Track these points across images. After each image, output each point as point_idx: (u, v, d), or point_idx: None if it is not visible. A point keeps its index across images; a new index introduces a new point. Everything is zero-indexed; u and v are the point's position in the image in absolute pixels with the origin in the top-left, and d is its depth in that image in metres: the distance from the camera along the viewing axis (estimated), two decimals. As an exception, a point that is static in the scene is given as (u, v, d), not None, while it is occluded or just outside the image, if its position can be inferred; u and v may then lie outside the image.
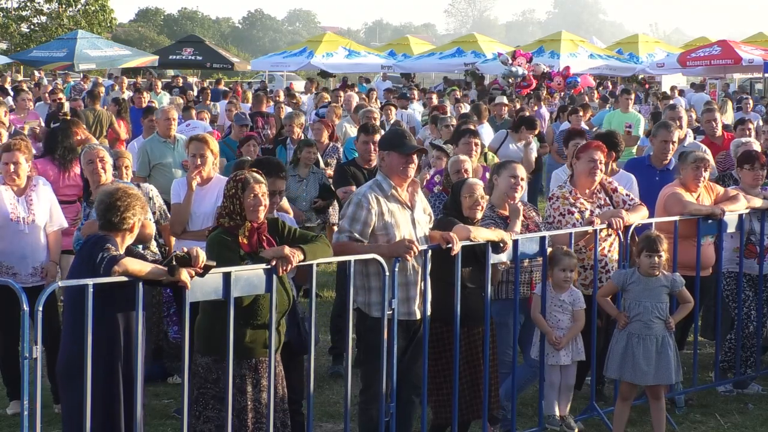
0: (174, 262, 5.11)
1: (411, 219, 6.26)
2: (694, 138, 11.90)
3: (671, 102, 19.41)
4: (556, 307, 6.89)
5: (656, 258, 6.80)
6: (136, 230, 5.45)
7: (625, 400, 6.94)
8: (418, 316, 6.27)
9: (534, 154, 12.72)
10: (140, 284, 5.14)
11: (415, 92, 24.53)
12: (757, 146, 9.19)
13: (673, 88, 28.49)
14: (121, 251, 5.28)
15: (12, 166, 7.20)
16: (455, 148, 9.33)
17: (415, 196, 6.33)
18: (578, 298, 6.91)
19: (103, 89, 22.46)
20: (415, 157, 6.24)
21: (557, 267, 6.86)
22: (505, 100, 19.80)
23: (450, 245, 6.19)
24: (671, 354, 6.80)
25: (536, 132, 12.83)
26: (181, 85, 30.79)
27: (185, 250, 5.17)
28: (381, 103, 20.19)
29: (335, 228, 8.39)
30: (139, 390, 5.27)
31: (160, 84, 26.55)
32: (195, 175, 7.48)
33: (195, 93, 25.76)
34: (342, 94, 18.95)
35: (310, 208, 10.18)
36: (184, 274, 5.13)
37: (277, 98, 20.85)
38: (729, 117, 16.78)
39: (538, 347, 6.95)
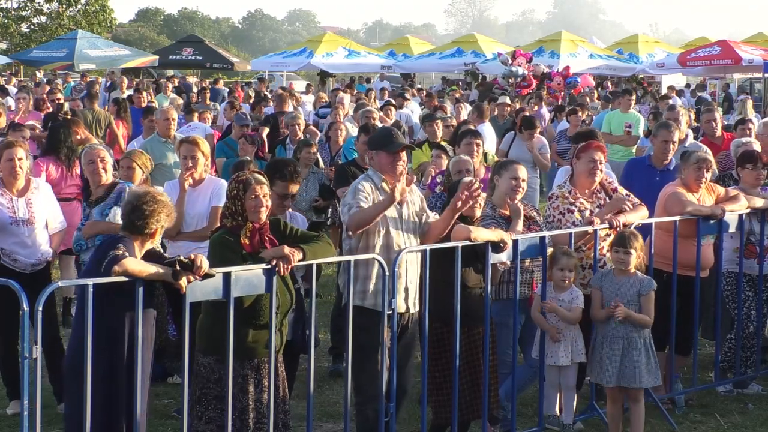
0: (178, 267, 5.13)
1: (399, 214, 6.32)
2: (695, 138, 11.91)
3: (670, 102, 19.40)
4: None
5: (623, 254, 6.79)
6: (158, 237, 5.46)
7: (614, 402, 6.91)
8: (402, 309, 6.28)
9: (548, 153, 12.94)
10: (140, 285, 5.14)
11: (409, 92, 24.39)
12: (757, 146, 9.18)
13: (670, 88, 28.46)
14: (138, 257, 5.29)
15: (16, 162, 7.19)
16: (456, 149, 9.34)
17: (406, 193, 6.37)
18: (576, 297, 6.89)
19: (98, 87, 22.45)
20: (403, 154, 6.32)
21: (556, 266, 6.87)
22: (507, 100, 19.82)
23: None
24: (636, 357, 6.72)
25: (537, 130, 13.09)
26: (176, 84, 30.61)
27: (192, 257, 5.19)
28: (378, 103, 20.19)
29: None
30: (139, 389, 5.26)
31: (170, 86, 26.43)
32: (187, 176, 7.48)
33: (195, 92, 25.74)
34: (340, 93, 18.98)
35: (310, 208, 10.19)
36: (183, 281, 5.16)
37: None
38: (750, 114, 16.56)
39: (539, 347, 6.95)
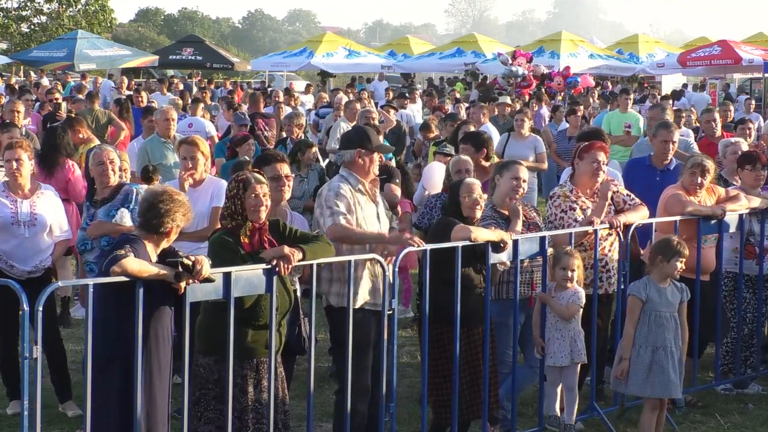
0: (180, 269, 5.13)
1: (376, 213, 6.37)
2: (695, 139, 11.92)
3: (654, 103, 19.42)
4: None
5: (682, 264, 6.72)
6: (173, 236, 5.44)
7: (655, 410, 6.78)
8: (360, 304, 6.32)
9: (544, 152, 12.84)
10: (140, 285, 5.14)
11: (417, 96, 24.27)
12: (744, 146, 9.15)
13: (654, 93, 28.46)
14: (154, 257, 5.29)
15: (14, 163, 7.18)
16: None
17: (377, 194, 6.45)
18: (574, 295, 6.80)
19: (86, 90, 22.50)
20: (376, 156, 6.36)
21: (558, 266, 6.84)
22: (508, 100, 19.85)
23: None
24: (682, 365, 6.76)
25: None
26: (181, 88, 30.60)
27: (192, 259, 5.18)
28: (376, 103, 20.20)
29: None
30: (139, 387, 5.26)
31: (176, 84, 26.36)
32: (186, 177, 7.49)
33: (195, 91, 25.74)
34: (339, 93, 18.98)
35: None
36: (183, 283, 5.17)
37: (277, 98, 20.84)
38: None
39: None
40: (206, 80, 36.44)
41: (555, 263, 6.87)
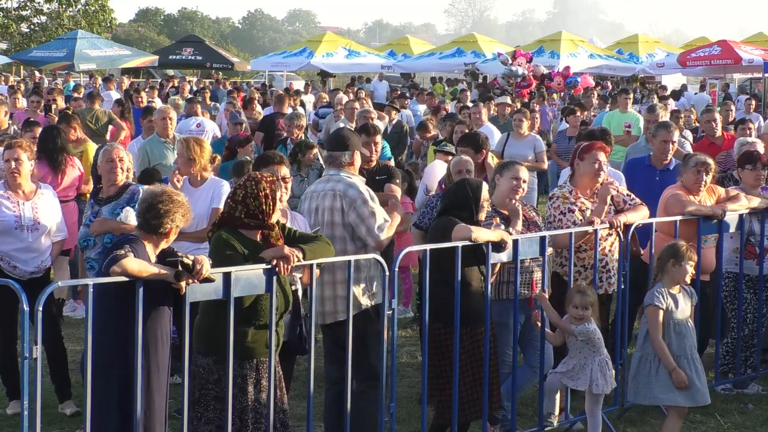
0: (180, 268, 5.13)
1: None
2: (694, 139, 11.92)
3: (671, 102, 19.42)
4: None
5: (693, 268, 6.65)
6: (172, 237, 5.45)
7: (680, 418, 6.74)
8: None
9: (543, 151, 12.80)
10: (140, 285, 5.14)
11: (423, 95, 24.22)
12: (761, 147, 9.15)
13: (657, 89, 28.50)
14: (153, 257, 5.30)
15: (13, 163, 7.17)
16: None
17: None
18: (578, 326, 6.61)
19: (82, 90, 22.52)
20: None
21: (570, 305, 6.64)
22: (508, 100, 19.86)
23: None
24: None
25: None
26: (175, 85, 30.59)
27: (192, 259, 5.18)
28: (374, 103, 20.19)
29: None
30: (139, 386, 5.26)
31: (187, 87, 26.39)
32: (172, 174, 7.58)
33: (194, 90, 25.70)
34: (339, 93, 18.98)
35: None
36: (183, 283, 5.18)
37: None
38: None
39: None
40: (206, 80, 36.45)
41: (568, 302, 6.67)
